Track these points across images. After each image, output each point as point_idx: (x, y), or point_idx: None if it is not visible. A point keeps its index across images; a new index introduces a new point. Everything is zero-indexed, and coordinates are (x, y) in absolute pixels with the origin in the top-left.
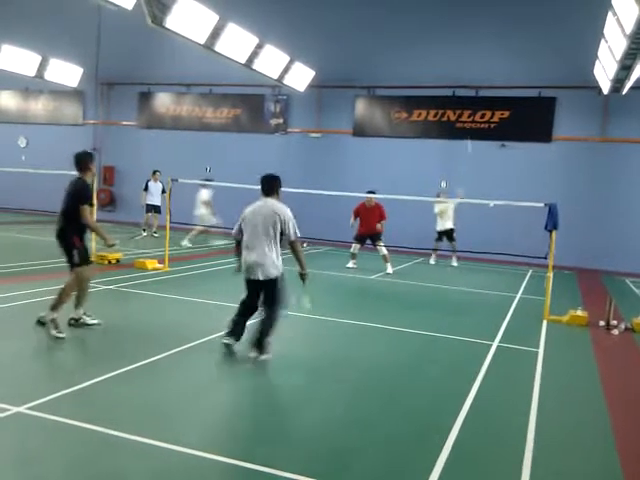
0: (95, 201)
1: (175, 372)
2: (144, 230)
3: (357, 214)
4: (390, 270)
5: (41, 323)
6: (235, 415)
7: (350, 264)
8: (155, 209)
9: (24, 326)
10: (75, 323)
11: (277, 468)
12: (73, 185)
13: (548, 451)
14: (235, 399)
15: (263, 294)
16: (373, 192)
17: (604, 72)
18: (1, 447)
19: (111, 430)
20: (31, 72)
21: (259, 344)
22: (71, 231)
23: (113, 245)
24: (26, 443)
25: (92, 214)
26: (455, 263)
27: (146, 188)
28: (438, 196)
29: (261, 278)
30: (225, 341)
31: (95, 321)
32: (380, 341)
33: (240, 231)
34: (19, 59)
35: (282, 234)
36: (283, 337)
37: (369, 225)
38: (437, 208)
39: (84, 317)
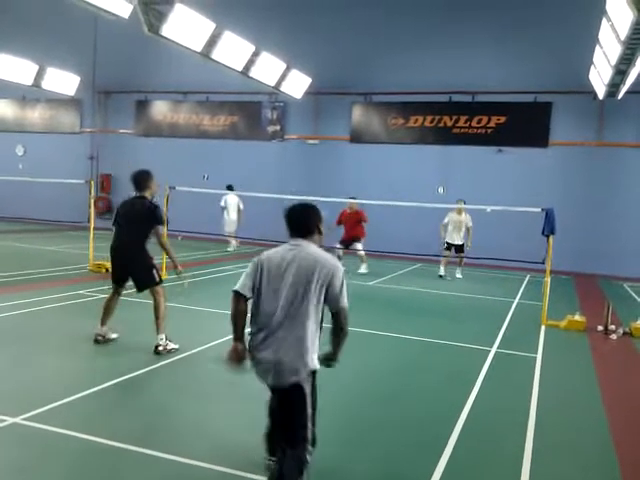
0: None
1: (174, 381)
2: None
3: (340, 221)
4: (364, 270)
5: (157, 352)
6: (234, 425)
7: None
8: None
9: (21, 335)
10: (103, 340)
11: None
12: (141, 205)
13: (547, 457)
14: (233, 408)
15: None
16: (354, 197)
17: (599, 77)
18: (1, 457)
19: (108, 440)
20: (28, 81)
21: None
22: (146, 251)
23: (181, 273)
24: (23, 454)
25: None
26: (460, 275)
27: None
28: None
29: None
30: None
31: (115, 335)
32: (376, 348)
33: (252, 289)
34: (16, 68)
35: (325, 300)
36: None
37: (349, 231)
38: (449, 219)
39: (108, 332)
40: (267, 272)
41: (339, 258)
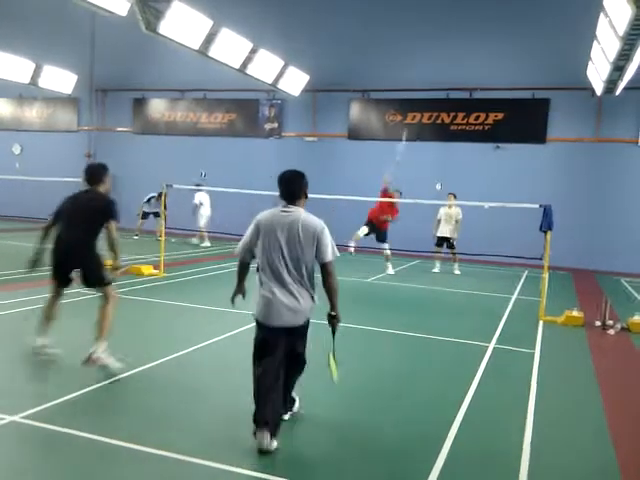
0: None
1: (171, 379)
2: (136, 235)
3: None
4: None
5: (89, 361)
6: (232, 421)
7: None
8: (155, 214)
9: (16, 334)
10: (45, 354)
11: (268, 473)
12: (98, 200)
13: (545, 452)
14: (230, 403)
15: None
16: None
17: (597, 73)
18: None
19: (107, 438)
20: (25, 79)
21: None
22: (96, 248)
23: (119, 268)
24: (21, 452)
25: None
26: (458, 271)
27: (149, 200)
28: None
29: (288, 324)
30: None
31: (56, 350)
32: (374, 344)
33: (250, 250)
34: (13, 66)
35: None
36: None
37: (379, 213)
38: (441, 214)
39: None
40: (265, 231)
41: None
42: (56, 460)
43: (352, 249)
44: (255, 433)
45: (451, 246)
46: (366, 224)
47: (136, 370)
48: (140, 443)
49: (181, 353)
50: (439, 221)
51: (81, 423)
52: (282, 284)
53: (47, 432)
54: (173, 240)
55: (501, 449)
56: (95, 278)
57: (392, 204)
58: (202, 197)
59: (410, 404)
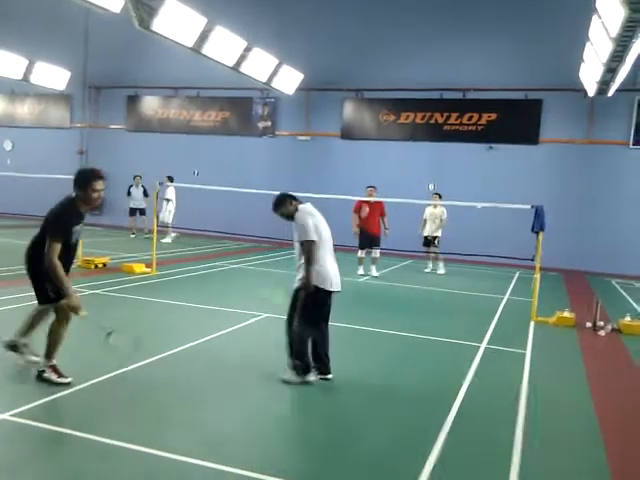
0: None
1: (161, 377)
2: (133, 233)
3: (357, 210)
4: (375, 273)
5: (11, 347)
6: (222, 419)
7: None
8: (140, 212)
9: (8, 331)
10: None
11: (254, 471)
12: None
13: (536, 451)
14: (220, 402)
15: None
16: (373, 187)
17: (590, 75)
18: None
19: (97, 437)
20: (17, 75)
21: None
22: (40, 262)
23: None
24: (11, 450)
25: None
26: (442, 270)
27: (129, 193)
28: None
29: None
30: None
31: (37, 359)
32: (363, 344)
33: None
34: (5, 62)
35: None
36: (264, 340)
37: (370, 226)
38: (428, 212)
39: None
40: (319, 221)
41: (361, 260)
42: (46, 459)
43: (361, 271)
44: (308, 377)
45: (434, 245)
46: (361, 241)
47: (129, 368)
48: (131, 442)
49: (175, 350)
50: (425, 221)
51: (71, 421)
52: (334, 259)
53: (38, 430)
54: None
55: (493, 448)
56: (36, 294)
57: (381, 218)
58: (172, 193)
59: (400, 404)
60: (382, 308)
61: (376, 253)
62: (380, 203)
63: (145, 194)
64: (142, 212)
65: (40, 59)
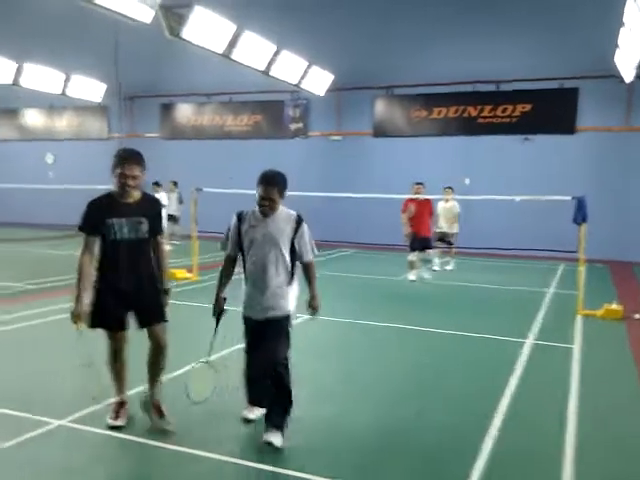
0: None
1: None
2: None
3: (405, 210)
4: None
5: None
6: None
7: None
8: (172, 218)
9: (61, 341)
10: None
11: (308, 472)
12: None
13: (590, 453)
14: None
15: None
16: (421, 183)
17: (626, 60)
18: (46, 460)
19: (152, 441)
20: (56, 90)
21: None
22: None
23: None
24: (69, 456)
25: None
26: (451, 267)
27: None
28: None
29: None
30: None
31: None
32: (408, 342)
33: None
34: (43, 77)
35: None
36: (305, 341)
37: (420, 226)
38: (440, 207)
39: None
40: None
41: (412, 264)
42: (104, 463)
43: (413, 276)
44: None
45: (449, 242)
46: (412, 245)
47: (177, 372)
48: (184, 445)
49: (223, 353)
50: (438, 217)
51: (127, 426)
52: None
53: (94, 435)
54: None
55: (542, 450)
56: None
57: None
58: (165, 198)
59: (447, 403)
60: (421, 306)
61: (430, 255)
62: (429, 202)
63: (180, 201)
64: (175, 220)
65: (76, 72)
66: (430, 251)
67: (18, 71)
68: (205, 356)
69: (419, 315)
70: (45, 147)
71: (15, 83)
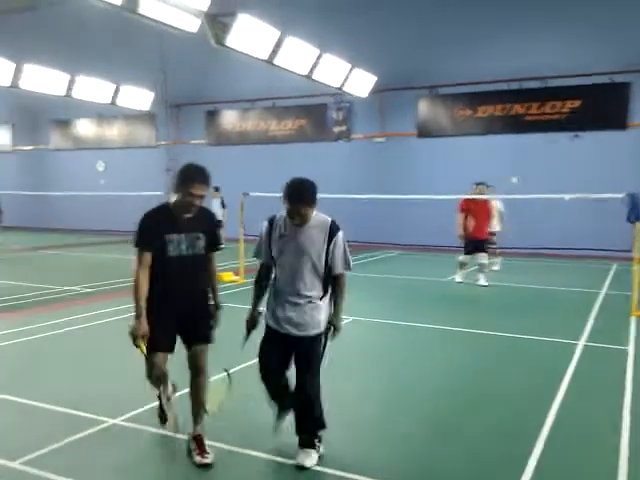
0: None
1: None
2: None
3: (464, 209)
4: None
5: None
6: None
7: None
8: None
9: (116, 341)
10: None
11: (364, 475)
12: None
13: None
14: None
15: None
16: (483, 183)
17: None
18: (100, 457)
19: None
20: (106, 100)
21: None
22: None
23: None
24: (123, 454)
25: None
26: (498, 267)
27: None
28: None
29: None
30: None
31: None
32: (458, 344)
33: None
34: (94, 88)
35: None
36: (354, 343)
37: (478, 228)
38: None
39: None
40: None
41: (462, 265)
42: (156, 462)
43: (460, 278)
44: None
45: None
46: (467, 249)
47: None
48: (233, 444)
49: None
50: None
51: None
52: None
53: (146, 435)
54: None
55: (596, 455)
56: None
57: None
58: (217, 206)
59: (496, 408)
60: (471, 307)
61: (483, 258)
62: (488, 203)
63: (223, 205)
64: (220, 224)
65: (125, 82)
66: (480, 254)
67: (70, 83)
68: (230, 366)
69: (468, 317)
70: (96, 155)
71: (67, 95)
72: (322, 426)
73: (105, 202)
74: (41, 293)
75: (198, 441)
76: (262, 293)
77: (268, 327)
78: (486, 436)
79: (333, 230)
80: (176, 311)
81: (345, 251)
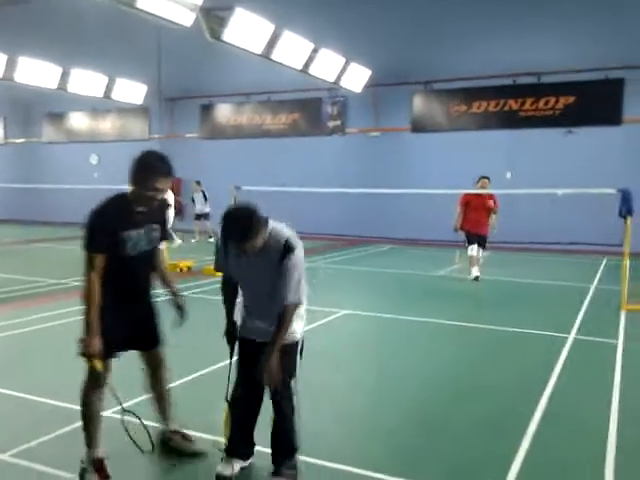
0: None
1: None
2: (193, 238)
3: (464, 203)
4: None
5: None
6: (310, 415)
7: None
8: (203, 216)
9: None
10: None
11: (354, 466)
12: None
13: (632, 454)
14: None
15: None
16: (487, 177)
17: None
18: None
19: (203, 434)
20: (99, 93)
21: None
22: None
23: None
24: (115, 444)
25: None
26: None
27: (192, 200)
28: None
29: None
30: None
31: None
32: (448, 338)
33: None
34: (87, 81)
35: None
36: (345, 336)
37: (476, 221)
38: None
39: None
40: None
41: (473, 259)
42: (146, 449)
43: (477, 272)
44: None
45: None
46: (470, 239)
47: (215, 367)
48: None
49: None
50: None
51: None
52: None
53: (137, 425)
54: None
55: (584, 448)
56: None
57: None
58: (171, 197)
59: (484, 400)
60: (461, 301)
61: (480, 253)
62: (489, 197)
63: (205, 198)
64: (205, 217)
65: (119, 76)
66: (482, 251)
67: (64, 76)
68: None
69: (456, 310)
70: (90, 148)
71: (61, 87)
72: (293, 447)
73: (98, 195)
74: (31, 286)
75: (181, 434)
76: (233, 306)
77: (240, 338)
78: (474, 429)
79: (285, 250)
80: (129, 313)
81: (293, 278)
